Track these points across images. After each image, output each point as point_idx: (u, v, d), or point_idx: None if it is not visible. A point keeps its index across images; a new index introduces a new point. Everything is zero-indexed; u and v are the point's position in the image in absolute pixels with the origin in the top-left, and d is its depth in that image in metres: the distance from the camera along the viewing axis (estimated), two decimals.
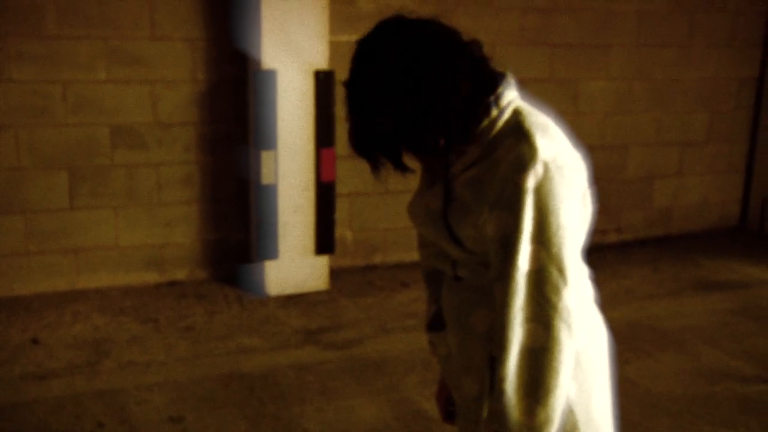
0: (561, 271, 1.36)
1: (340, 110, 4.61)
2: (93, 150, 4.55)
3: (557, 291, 1.35)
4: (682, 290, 4.96)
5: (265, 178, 4.48)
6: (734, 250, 5.82)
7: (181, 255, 4.85)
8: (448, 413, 1.80)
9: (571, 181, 1.37)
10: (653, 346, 4.01)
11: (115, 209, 4.66)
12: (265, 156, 4.45)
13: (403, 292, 4.75)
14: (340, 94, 5.33)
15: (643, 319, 4.37)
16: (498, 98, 1.42)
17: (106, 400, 3.34)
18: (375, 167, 1.47)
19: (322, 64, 4.48)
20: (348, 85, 1.43)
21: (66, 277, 4.63)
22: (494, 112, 1.41)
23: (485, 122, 1.40)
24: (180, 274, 4.87)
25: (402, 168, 1.46)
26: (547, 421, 1.37)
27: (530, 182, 1.33)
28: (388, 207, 5.15)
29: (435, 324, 1.73)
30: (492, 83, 1.43)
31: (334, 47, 4.64)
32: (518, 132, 1.38)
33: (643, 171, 5.98)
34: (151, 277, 4.81)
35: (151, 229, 4.76)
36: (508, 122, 1.40)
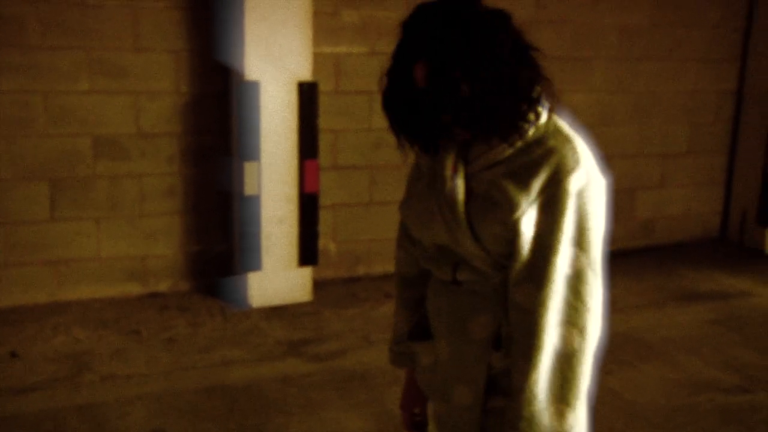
0: (596, 274, 1.38)
1: (323, 122, 4.66)
2: (75, 161, 4.52)
3: (593, 294, 1.37)
4: (664, 301, 4.99)
5: (248, 190, 4.47)
6: (715, 261, 5.87)
7: (164, 267, 4.82)
8: (415, 424, 1.79)
9: (603, 188, 1.40)
10: (636, 357, 4.03)
11: (97, 220, 4.63)
12: (249, 167, 4.44)
13: (386, 304, 4.73)
14: (323, 105, 5.30)
15: (626, 330, 4.38)
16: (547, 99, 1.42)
17: (87, 414, 3.30)
18: (399, 136, 1.46)
19: (306, 75, 4.48)
20: (404, 47, 1.38)
21: (46, 289, 4.58)
22: (540, 109, 1.40)
23: (530, 116, 1.38)
24: (162, 286, 4.84)
25: (430, 145, 1.44)
26: (575, 425, 1.38)
27: (574, 186, 1.34)
28: (372, 218, 5.15)
29: (418, 333, 1.72)
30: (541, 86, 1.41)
31: (318, 59, 4.64)
32: (561, 136, 1.39)
33: (626, 183, 6.02)
34: (133, 289, 4.77)
35: (134, 241, 4.72)
36: (546, 126, 1.41)
